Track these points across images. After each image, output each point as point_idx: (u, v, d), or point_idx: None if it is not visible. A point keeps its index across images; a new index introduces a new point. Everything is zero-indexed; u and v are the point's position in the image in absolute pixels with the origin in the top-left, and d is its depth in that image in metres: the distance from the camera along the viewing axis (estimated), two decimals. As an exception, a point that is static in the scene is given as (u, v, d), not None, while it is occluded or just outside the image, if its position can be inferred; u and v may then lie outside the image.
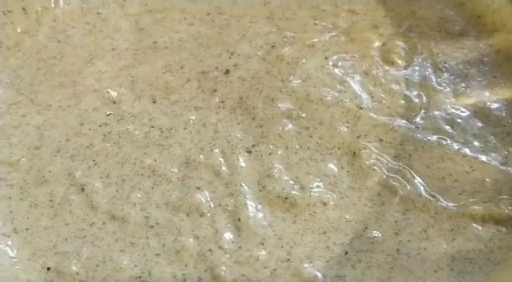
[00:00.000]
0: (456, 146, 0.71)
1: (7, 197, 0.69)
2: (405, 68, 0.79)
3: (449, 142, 0.72)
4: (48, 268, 0.64)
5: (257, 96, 0.76)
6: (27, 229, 0.67)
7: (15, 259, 0.65)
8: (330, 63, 0.79)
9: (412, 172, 0.69)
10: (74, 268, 0.64)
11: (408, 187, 0.68)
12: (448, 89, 0.77)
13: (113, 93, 0.77)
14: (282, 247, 0.65)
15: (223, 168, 0.70)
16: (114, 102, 0.77)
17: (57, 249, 0.65)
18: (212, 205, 0.68)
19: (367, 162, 0.70)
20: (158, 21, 0.86)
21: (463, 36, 0.83)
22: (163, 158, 0.71)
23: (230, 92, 0.77)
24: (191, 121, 0.75)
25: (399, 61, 0.80)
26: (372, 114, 0.74)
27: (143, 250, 0.65)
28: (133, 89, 0.78)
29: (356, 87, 0.77)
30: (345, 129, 0.73)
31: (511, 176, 0.69)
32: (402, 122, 0.74)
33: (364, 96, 0.76)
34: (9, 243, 0.66)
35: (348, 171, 0.70)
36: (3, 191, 0.69)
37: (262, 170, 0.70)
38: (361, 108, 0.75)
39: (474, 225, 0.66)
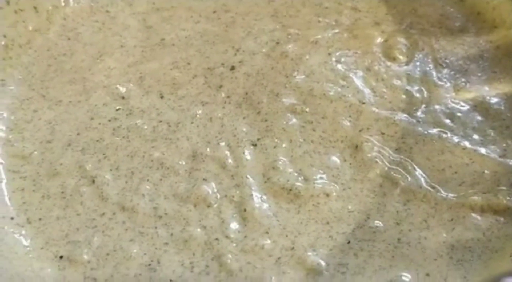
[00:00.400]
0: (456, 139, 0.73)
1: (21, 189, 0.71)
2: (407, 64, 0.81)
3: (449, 135, 0.73)
4: (61, 257, 0.66)
5: (262, 91, 0.78)
6: (40, 219, 0.69)
7: (28, 248, 0.67)
8: (333, 59, 0.81)
9: (413, 164, 0.71)
10: (85, 256, 0.66)
11: (409, 179, 0.70)
12: (448, 84, 0.79)
13: (122, 89, 0.79)
14: (286, 236, 0.67)
15: (229, 161, 0.72)
16: (123, 97, 0.79)
17: (69, 238, 0.67)
18: (218, 196, 0.70)
19: (369, 155, 0.72)
20: (165, 19, 0.88)
21: (463, 32, 0.85)
22: (171, 151, 0.73)
23: (235, 88, 0.79)
24: (198, 115, 0.77)
25: (401, 57, 0.81)
26: (374, 109, 0.76)
27: (152, 239, 0.67)
28: (141, 85, 0.80)
29: (358, 82, 0.79)
30: (348, 123, 0.75)
31: (510, 167, 0.70)
32: (404, 116, 0.75)
33: (366, 91, 0.78)
34: (23, 232, 0.68)
35: (350, 163, 0.72)
36: (17, 183, 0.72)
37: (267, 162, 0.72)
38: (364, 103, 0.76)
39: (473, 215, 0.67)
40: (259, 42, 0.84)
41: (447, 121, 0.75)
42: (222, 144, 0.74)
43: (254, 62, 0.81)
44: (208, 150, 0.73)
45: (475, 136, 0.73)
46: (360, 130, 0.74)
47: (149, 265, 0.65)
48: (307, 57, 0.81)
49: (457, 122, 0.75)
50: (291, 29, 0.85)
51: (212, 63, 0.82)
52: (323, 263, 0.65)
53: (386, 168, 0.71)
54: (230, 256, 0.65)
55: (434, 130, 0.74)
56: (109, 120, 0.77)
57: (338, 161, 0.72)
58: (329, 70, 0.80)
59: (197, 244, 0.66)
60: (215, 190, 0.70)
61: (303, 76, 0.79)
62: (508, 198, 0.68)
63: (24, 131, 0.76)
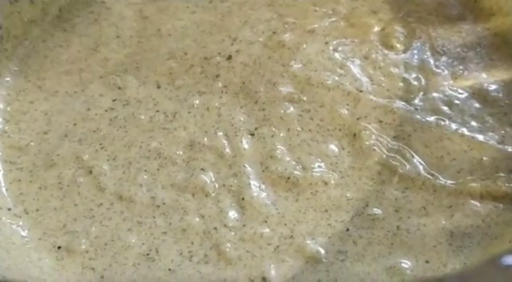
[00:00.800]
0: (454, 126, 0.73)
1: (17, 180, 0.71)
2: (404, 52, 0.81)
3: (447, 122, 0.73)
4: (59, 247, 0.66)
5: (259, 80, 0.78)
6: (38, 210, 0.69)
7: (26, 239, 0.67)
8: (331, 48, 0.81)
9: (411, 152, 0.71)
10: (83, 246, 0.66)
11: (408, 166, 0.70)
12: (446, 71, 0.79)
13: (119, 80, 0.79)
14: (285, 224, 0.67)
15: (227, 150, 0.72)
16: (119, 88, 0.79)
17: (67, 228, 0.67)
18: (216, 185, 0.69)
19: (367, 143, 0.72)
20: (161, 10, 0.87)
21: (460, 20, 0.85)
22: (168, 141, 0.73)
23: (232, 77, 0.79)
24: (195, 105, 0.76)
25: (398, 45, 0.81)
26: (371, 97, 0.76)
27: (150, 229, 0.67)
28: (137, 76, 0.80)
29: (356, 71, 0.78)
30: (346, 111, 0.74)
31: (508, 154, 0.70)
32: (401, 104, 0.75)
33: (364, 79, 0.78)
34: (21, 223, 0.68)
35: (348, 151, 0.72)
36: (14, 174, 0.72)
37: (265, 151, 0.72)
38: (361, 91, 0.76)
39: (472, 201, 0.67)
40: (256, 31, 0.83)
41: (445, 108, 0.75)
42: (220, 133, 0.73)
43: (251, 51, 0.81)
44: (205, 139, 0.73)
45: (473, 123, 0.73)
46: (358, 119, 0.74)
47: (148, 254, 0.65)
48: (304, 46, 0.81)
49: (455, 110, 0.75)
50: (287, 19, 0.85)
51: (208, 53, 0.81)
52: (322, 251, 0.64)
53: (384, 156, 0.71)
54: (228, 244, 0.65)
55: (432, 118, 0.74)
56: (106, 111, 0.76)
57: (336, 149, 0.72)
58: (326, 59, 0.79)
59: (196, 233, 0.66)
60: (213, 179, 0.70)
61: (300, 65, 0.79)
62: (506, 184, 0.68)
63: (21, 123, 0.76)
